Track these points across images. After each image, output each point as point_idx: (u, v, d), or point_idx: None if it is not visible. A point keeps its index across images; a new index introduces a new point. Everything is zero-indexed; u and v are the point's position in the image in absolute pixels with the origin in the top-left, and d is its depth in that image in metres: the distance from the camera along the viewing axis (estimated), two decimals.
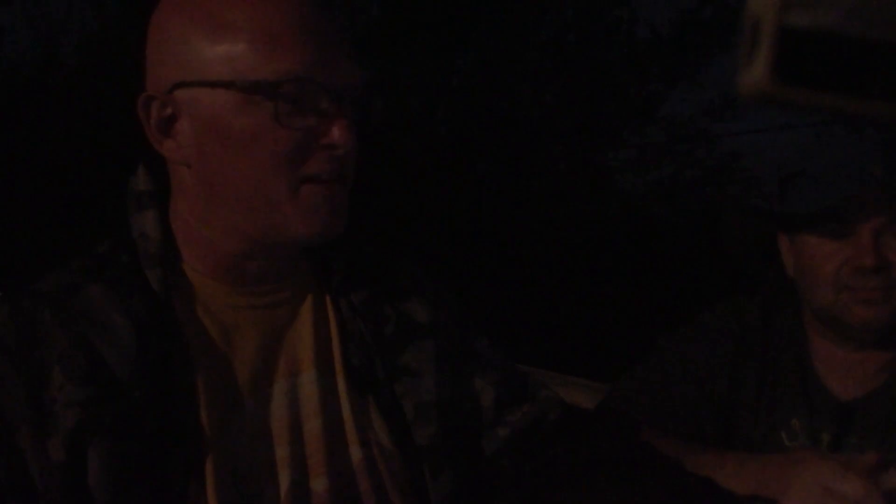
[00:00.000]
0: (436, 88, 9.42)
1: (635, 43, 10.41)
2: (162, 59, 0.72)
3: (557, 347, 6.47)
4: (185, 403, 0.71)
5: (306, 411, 0.77)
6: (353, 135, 0.72)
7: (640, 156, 11.04)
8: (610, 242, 9.12)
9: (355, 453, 0.78)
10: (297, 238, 0.75)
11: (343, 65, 0.72)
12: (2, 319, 0.69)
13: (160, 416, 0.69)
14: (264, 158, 0.70)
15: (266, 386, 0.77)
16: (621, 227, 9.40)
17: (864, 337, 1.04)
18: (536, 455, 0.88)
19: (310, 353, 0.79)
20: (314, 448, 0.76)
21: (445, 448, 0.83)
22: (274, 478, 0.73)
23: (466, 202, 8.33)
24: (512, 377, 0.94)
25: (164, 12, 0.74)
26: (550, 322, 7.72)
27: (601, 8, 10.22)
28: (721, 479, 0.83)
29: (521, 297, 7.94)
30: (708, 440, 1.05)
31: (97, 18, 7.56)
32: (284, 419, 0.76)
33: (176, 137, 0.73)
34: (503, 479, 0.88)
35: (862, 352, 1.06)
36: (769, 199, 1.11)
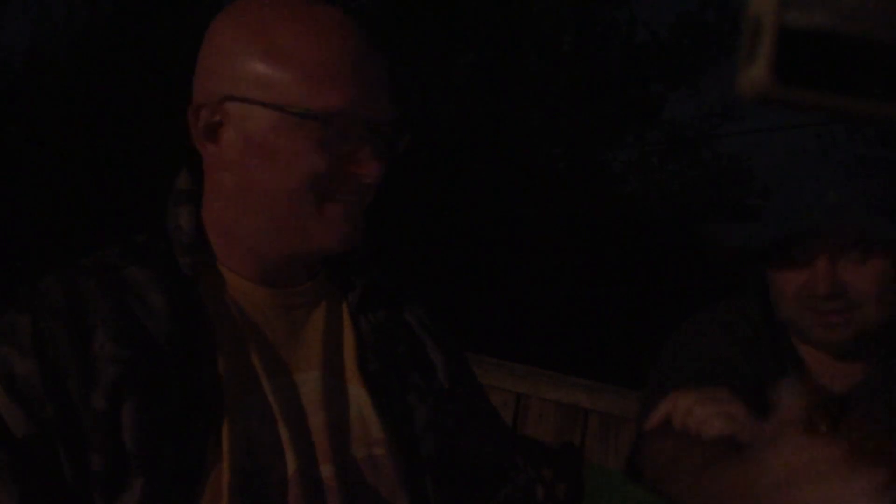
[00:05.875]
0: (436, 89, 9.42)
1: (634, 45, 10.42)
2: (215, 70, 0.79)
3: (558, 347, 6.46)
4: (208, 375, 0.78)
5: (310, 405, 0.84)
6: (382, 167, 0.81)
7: (640, 157, 11.04)
8: (610, 243, 9.12)
9: (360, 450, 0.84)
10: (317, 248, 0.83)
11: (382, 102, 0.81)
12: (51, 286, 0.77)
13: (187, 381, 0.76)
14: (301, 177, 0.78)
15: (276, 376, 0.83)
16: (622, 228, 9.40)
17: (834, 352, 1.09)
18: None
19: (318, 355, 0.86)
20: (319, 438, 0.82)
21: (446, 465, 0.89)
22: (282, 457, 0.79)
23: (466, 203, 8.33)
24: (500, 439, 1.01)
25: (222, 27, 0.80)
26: (551, 322, 7.72)
27: (598, 9, 10.22)
28: None
29: (521, 296, 7.94)
30: None
31: (91, 16, 7.55)
32: (289, 408, 0.82)
33: (219, 144, 0.80)
34: None
35: (840, 360, 1.10)
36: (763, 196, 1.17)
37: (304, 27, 0.77)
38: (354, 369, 0.88)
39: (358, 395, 0.86)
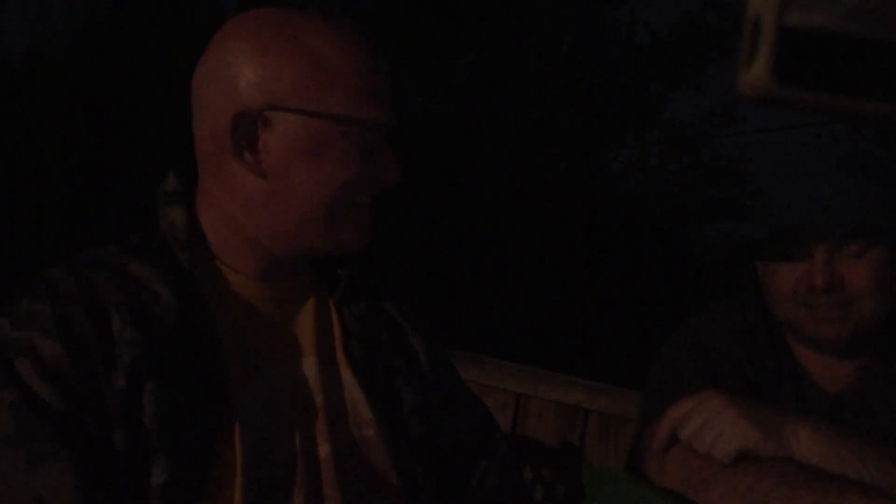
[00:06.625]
0: (436, 89, 9.42)
1: (634, 46, 10.41)
2: (252, 78, 0.82)
3: (558, 347, 6.46)
4: (215, 362, 0.82)
5: (309, 388, 0.88)
6: (402, 170, 0.88)
7: (640, 157, 11.03)
8: (610, 243, 9.12)
9: (355, 431, 0.89)
10: (344, 248, 0.89)
11: (396, 110, 0.88)
12: (63, 276, 0.80)
13: (198, 365, 0.80)
14: (341, 182, 0.84)
15: (276, 362, 0.88)
16: (621, 228, 9.40)
17: (831, 350, 1.08)
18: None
19: (312, 342, 0.91)
20: (318, 419, 0.87)
21: (431, 443, 0.94)
22: (288, 438, 0.84)
23: (466, 203, 8.33)
24: (478, 417, 1.07)
25: (248, 37, 0.83)
26: (551, 322, 7.73)
27: (598, 9, 10.21)
28: None
29: (521, 296, 7.94)
30: None
31: (91, 17, 7.55)
32: (291, 391, 0.87)
33: (257, 151, 0.83)
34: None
35: (836, 357, 1.09)
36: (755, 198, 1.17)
37: (336, 41, 0.83)
38: (342, 356, 0.92)
39: (348, 380, 0.91)
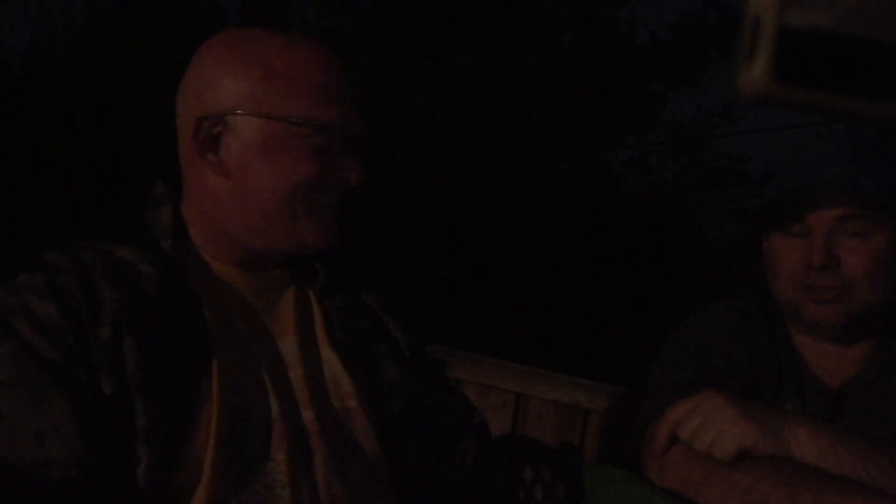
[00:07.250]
0: (436, 89, 9.42)
1: (634, 46, 10.41)
2: (216, 87, 0.92)
3: (558, 347, 6.46)
4: (197, 327, 0.89)
5: (289, 361, 0.95)
6: (363, 174, 0.95)
7: (640, 157, 11.03)
8: (610, 243, 9.12)
9: (337, 403, 0.95)
10: (308, 247, 0.96)
11: (359, 119, 0.95)
12: (55, 255, 0.90)
13: (179, 325, 0.88)
14: (296, 181, 0.91)
15: (257, 338, 0.95)
16: (621, 228, 9.40)
17: (825, 333, 1.07)
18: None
19: (292, 323, 0.98)
20: (299, 388, 0.93)
21: (413, 422, 1.01)
22: (265, 401, 0.90)
23: (465, 202, 8.33)
24: (458, 401, 1.13)
25: (218, 50, 0.93)
26: (551, 322, 7.73)
27: (598, 9, 10.21)
28: None
29: (521, 297, 7.95)
30: None
31: (91, 16, 7.56)
32: (271, 362, 0.94)
33: (219, 152, 0.92)
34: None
35: (837, 344, 1.09)
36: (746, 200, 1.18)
37: (293, 53, 0.92)
38: (324, 338, 0.99)
39: (329, 358, 0.98)
